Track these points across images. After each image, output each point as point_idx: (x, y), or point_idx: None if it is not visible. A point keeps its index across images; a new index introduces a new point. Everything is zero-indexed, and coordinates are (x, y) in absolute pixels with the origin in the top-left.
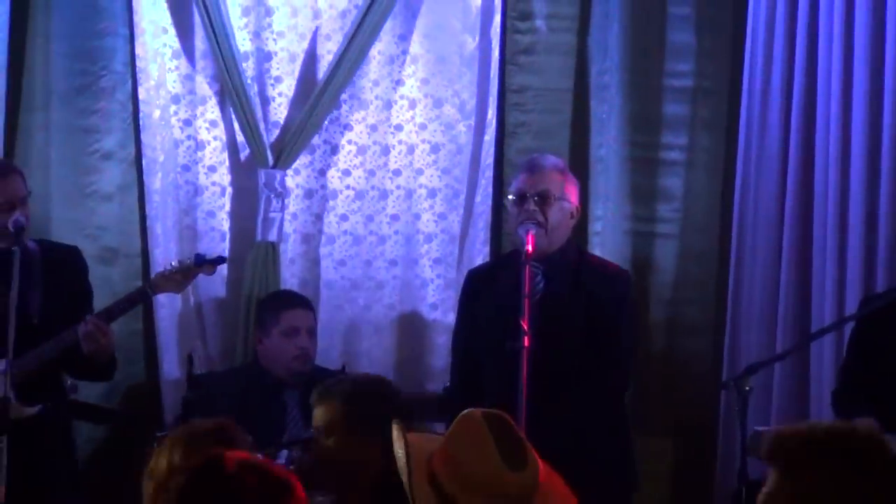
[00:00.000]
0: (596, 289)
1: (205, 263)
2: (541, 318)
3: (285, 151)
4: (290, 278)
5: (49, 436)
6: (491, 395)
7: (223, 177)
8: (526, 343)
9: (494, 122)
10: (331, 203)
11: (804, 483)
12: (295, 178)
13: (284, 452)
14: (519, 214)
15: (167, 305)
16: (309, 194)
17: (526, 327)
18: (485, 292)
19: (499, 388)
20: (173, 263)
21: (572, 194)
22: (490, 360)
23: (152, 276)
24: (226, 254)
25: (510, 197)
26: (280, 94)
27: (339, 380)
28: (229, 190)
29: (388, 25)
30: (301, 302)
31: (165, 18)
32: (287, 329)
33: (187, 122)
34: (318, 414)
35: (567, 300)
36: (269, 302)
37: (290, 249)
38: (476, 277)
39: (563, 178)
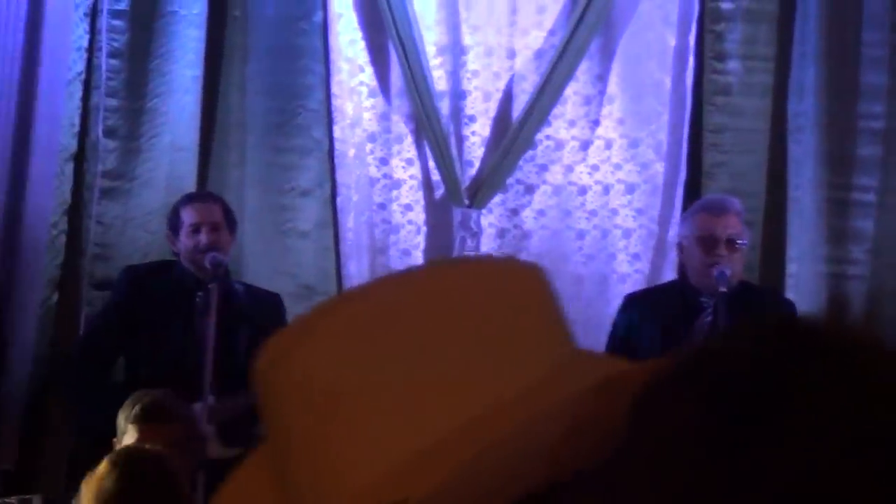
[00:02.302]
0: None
1: None
2: None
3: (481, 191)
4: None
5: None
6: None
7: (418, 215)
8: None
9: (688, 162)
10: (524, 243)
11: None
12: (487, 218)
13: None
14: (707, 257)
15: None
16: (501, 234)
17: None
18: (647, 319)
19: None
20: None
21: (747, 236)
22: None
23: None
24: None
25: (694, 235)
26: (474, 134)
27: None
28: (424, 228)
29: (584, 66)
30: None
31: (362, 57)
32: None
33: (383, 161)
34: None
35: None
36: None
37: None
38: (636, 303)
39: (742, 222)
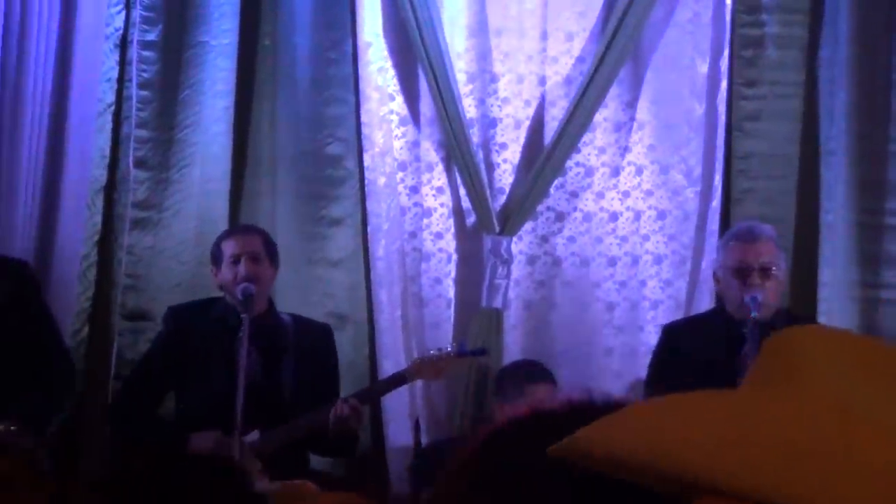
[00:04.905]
0: None
1: (466, 355)
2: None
3: (511, 218)
4: (511, 345)
5: None
6: None
7: (449, 243)
8: None
9: (721, 188)
10: (555, 270)
11: None
12: (518, 245)
13: None
14: (742, 286)
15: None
16: (531, 260)
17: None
18: (689, 350)
19: None
20: (433, 351)
21: (783, 261)
22: None
23: (375, 343)
24: (451, 320)
25: (728, 265)
26: (505, 161)
27: None
28: (455, 256)
29: (614, 92)
30: (544, 376)
31: (392, 85)
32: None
33: (414, 189)
34: None
35: None
36: (511, 373)
37: (512, 316)
38: (676, 333)
39: (777, 248)
